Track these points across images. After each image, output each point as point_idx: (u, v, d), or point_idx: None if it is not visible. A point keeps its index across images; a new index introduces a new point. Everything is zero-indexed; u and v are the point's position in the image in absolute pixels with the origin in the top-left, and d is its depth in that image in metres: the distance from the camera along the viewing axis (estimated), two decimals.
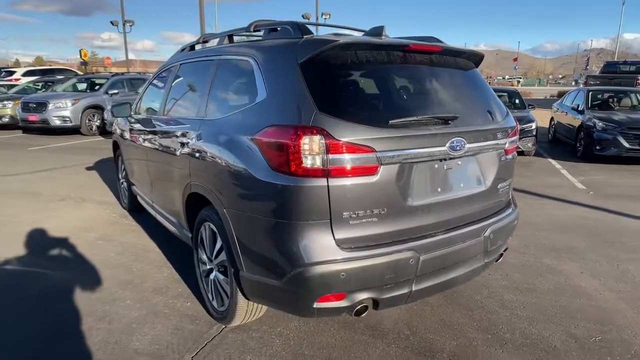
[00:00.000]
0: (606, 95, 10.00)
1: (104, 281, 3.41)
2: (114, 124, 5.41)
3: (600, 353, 2.54)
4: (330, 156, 1.97)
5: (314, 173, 1.97)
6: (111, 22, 27.48)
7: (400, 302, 2.33)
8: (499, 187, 2.66)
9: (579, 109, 9.45)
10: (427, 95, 2.36)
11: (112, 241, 4.26)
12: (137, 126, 4.11)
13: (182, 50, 3.89)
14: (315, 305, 2.10)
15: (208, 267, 2.86)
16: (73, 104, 11.91)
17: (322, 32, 2.93)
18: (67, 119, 11.84)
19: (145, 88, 4.41)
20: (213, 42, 3.37)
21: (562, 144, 10.63)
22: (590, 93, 9.80)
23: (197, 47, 3.71)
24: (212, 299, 2.86)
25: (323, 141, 1.96)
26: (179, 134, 3.06)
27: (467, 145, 2.35)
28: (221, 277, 2.68)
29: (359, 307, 2.17)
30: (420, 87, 2.36)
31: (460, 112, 2.39)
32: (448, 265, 2.38)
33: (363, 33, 2.74)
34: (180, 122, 3.18)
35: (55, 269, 3.63)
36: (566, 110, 10.27)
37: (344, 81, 2.16)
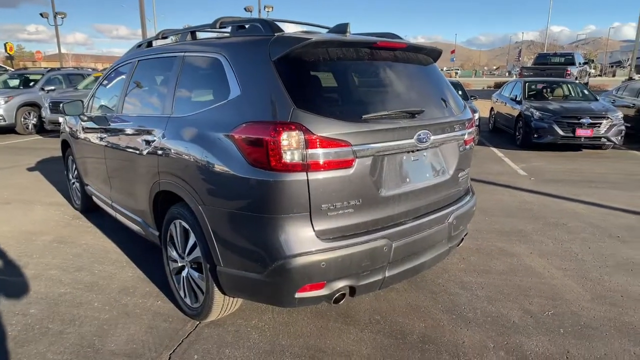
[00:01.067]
0: (540, 86, 10.70)
1: (66, 285, 3.28)
2: (62, 123, 5.17)
3: (554, 326, 2.79)
4: (309, 151, 2.04)
5: (293, 168, 2.03)
6: (41, 15, 25.66)
7: (375, 289, 2.45)
8: (459, 175, 2.84)
9: (517, 99, 10.07)
10: (394, 90, 2.48)
11: (69, 243, 4.09)
12: (92, 124, 3.96)
13: (139, 46, 3.79)
14: (297, 295, 2.17)
15: (179, 264, 2.84)
16: (6, 102, 11.12)
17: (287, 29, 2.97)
18: (0, 118, 11.03)
19: (97, 85, 4.24)
20: (172, 39, 3.32)
21: (503, 132, 11.27)
22: (527, 84, 10.46)
23: (155, 43, 3.63)
24: (185, 296, 2.85)
25: (302, 136, 2.02)
26: (142, 132, 3.00)
27: (432, 137, 2.49)
28: (195, 273, 2.67)
29: (337, 295, 2.27)
30: (388, 83, 2.47)
31: (425, 105, 2.53)
32: (417, 251, 2.52)
33: (327, 30, 2.81)
34: (143, 119, 3.11)
35: (11, 274, 3.44)
36: (505, 100, 10.89)
37: (318, 78, 2.23)
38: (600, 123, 8.26)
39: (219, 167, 2.27)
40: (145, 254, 3.81)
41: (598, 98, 9.84)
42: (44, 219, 4.76)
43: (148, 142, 2.91)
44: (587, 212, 5.08)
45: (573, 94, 10.23)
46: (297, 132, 2.02)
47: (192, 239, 2.63)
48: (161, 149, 2.73)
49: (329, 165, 2.09)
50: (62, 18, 25.71)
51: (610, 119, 8.28)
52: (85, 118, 4.15)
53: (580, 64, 18.86)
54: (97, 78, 11.92)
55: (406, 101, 2.49)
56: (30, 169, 7.28)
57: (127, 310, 2.94)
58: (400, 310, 2.96)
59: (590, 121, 8.26)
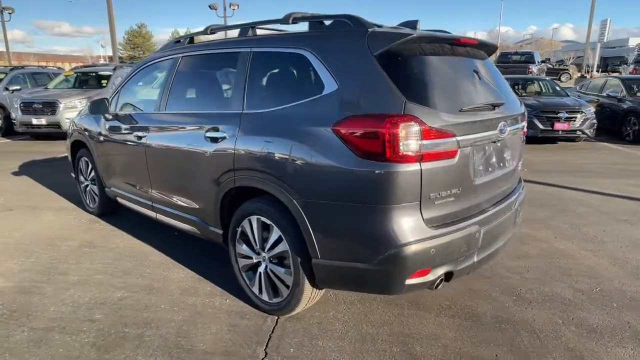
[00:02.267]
0: (512, 83, 11.28)
1: (121, 289, 3.18)
2: (72, 123, 4.95)
3: (605, 301, 3.03)
4: (424, 142, 2.12)
5: (409, 159, 2.11)
6: None
7: (465, 273, 2.57)
8: (519, 164, 3.02)
9: None
10: (475, 83, 2.60)
11: (99, 247, 3.94)
12: (123, 123, 3.83)
13: (177, 42, 3.71)
14: (407, 282, 2.25)
15: (254, 260, 2.84)
16: None
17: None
18: None
19: (123, 84, 4.09)
20: (224, 34, 3.28)
21: None
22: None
23: (197, 39, 3.57)
24: (260, 292, 2.85)
25: (417, 128, 2.10)
26: (205, 129, 2.95)
27: (508, 129, 2.65)
28: (279, 268, 2.68)
29: (438, 280, 2.37)
30: (469, 77, 2.59)
31: (500, 98, 2.68)
32: (496, 237, 2.67)
33: (397, 25, 2.89)
34: (203, 117, 3.07)
35: (55, 281, 3.29)
36: None
37: (419, 72, 2.31)
38: (576, 117, 8.85)
39: (319, 160, 2.31)
40: (189, 254, 3.75)
41: (569, 94, 10.50)
42: (59, 224, 4.54)
43: (215, 139, 2.87)
44: (588, 199, 5.46)
45: (544, 90, 10.85)
46: (412, 123, 2.10)
47: (274, 234, 2.64)
48: (236, 145, 2.71)
49: (439, 156, 2.19)
50: (10, 13, 24.19)
51: (584, 113, 8.89)
52: (110, 117, 4.00)
53: (539, 62, 20.02)
54: (67, 77, 11.38)
55: (487, 94, 2.63)
56: (15, 174, 6.86)
57: (198, 311, 2.90)
58: (464, 295, 3.10)
59: (567, 115, 8.83)
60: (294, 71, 2.66)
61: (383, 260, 2.20)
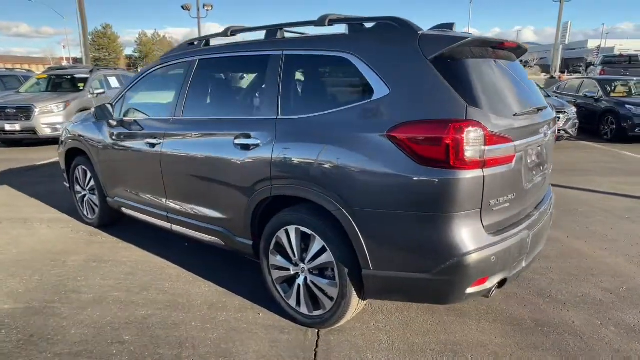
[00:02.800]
0: None
1: (143, 306, 3.00)
2: (65, 130, 4.69)
3: (635, 299, 3.08)
4: (487, 147, 2.08)
5: (473, 165, 2.06)
6: None
7: (514, 279, 2.54)
8: (551, 168, 3.03)
9: None
10: (519, 87, 2.58)
11: (108, 262, 3.72)
12: (130, 130, 3.64)
13: (190, 44, 3.54)
14: (468, 291, 2.19)
15: (292, 272, 2.72)
16: None
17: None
18: None
19: (127, 88, 3.89)
20: (246, 36, 3.16)
21: None
22: None
23: (212, 42, 3.42)
24: (298, 305, 2.74)
25: (481, 133, 2.05)
26: (232, 136, 2.82)
27: (549, 132, 2.65)
28: (322, 280, 2.58)
29: (494, 287, 2.33)
30: (513, 80, 2.57)
31: (542, 102, 2.68)
32: (539, 241, 2.66)
33: (431, 27, 2.84)
34: (229, 124, 2.93)
35: (69, 301, 3.07)
36: None
37: (474, 75, 2.25)
38: (559, 117, 9.09)
39: (372, 167, 2.23)
40: (206, 266, 3.59)
41: (550, 94, 10.80)
42: (57, 238, 4.27)
43: (246, 147, 2.75)
44: (587, 197, 5.60)
45: None
46: (476, 129, 2.05)
47: (317, 245, 2.54)
48: (274, 152, 2.59)
49: (499, 161, 2.15)
50: None
51: (567, 113, 9.14)
52: (115, 123, 3.79)
53: None
54: (39, 80, 10.87)
55: (530, 97, 2.61)
56: None
57: (232, 327, 2.76)
58: (499, 299, 3.08)
59: None
60: (337, 75, 2.57)
61: (444, 270, 2.13)
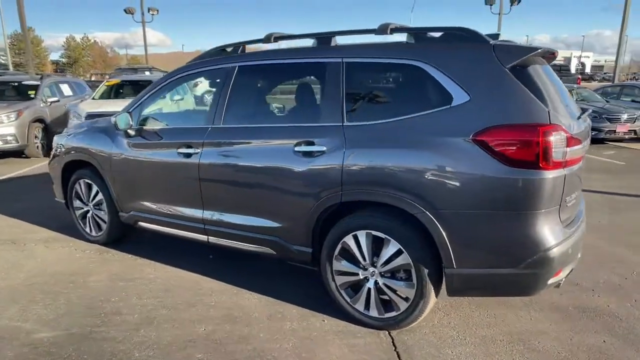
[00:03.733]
0: None
1: (200, 322, 2.89)
2: (58, 143, 4.40)
3: None
4: (568, 149, 2.26)
5: (558, 165, 2.23)
6: None
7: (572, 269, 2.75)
8: None
9: None
10: (566, 92, 2.81)
11: (136, 279, 3.52)
12: (161, 139, 3.49)
13: (223, 51, 3.46)
14: (549, 282, 2.36)
15: (361, 276, 2.76)
16: None
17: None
18: None
19: (147, 96, 3.71)
20: (291, 43, 3.16)
21: None
22: None
23: (247, 48, 3.38)
24: (367, 308, 2.78)
25: (564, 135, 2.24)
26: (294, 143, 2.81)
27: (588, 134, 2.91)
28: (398, 282, 2.64)
29: (564, 278, 2.52)
30: (560, 87, 2.79)
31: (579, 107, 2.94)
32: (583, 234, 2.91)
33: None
34: (287, 130, 2.92)
35: (114, 323, 2.88)
36: None
37: (544, 82, 2.43)
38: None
39: (456, 169, 2.34)
40: (244, 277, 3.51)
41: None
42: (62, 258, 3.96)
43: (309, 154, 2.75)
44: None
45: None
46: (560, 132, 2.22)
47: (391, 248, 2.60)
48: (345, 159, 2.62)
49: (575, 161, 2.35)
50: None
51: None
52: (133, 133, 3.62)
53: None
54: None
55: (574, 103, 2.86)
56: None
57: (303, 336, 2.74)
58: (563, 291, 3.26)
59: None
60: (408, 82, 2.66)
61: (531, 264, 2.29)
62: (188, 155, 3.30)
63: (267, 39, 3.22)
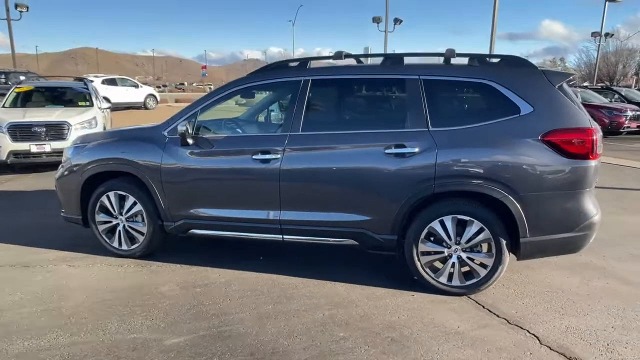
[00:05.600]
0: None
1: (314, 310, 3.20)
2: (72, 155, 4.20)
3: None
4: (599, 144, 3.19)
5: (595, 157, 3.15)
6: None
7: None
8: None
9: None
10: None
11: (210, 285, 3.62)
12: (233, 146, 3.71)
13: (288, 66, 3.79)
14: (590, 241, 3.28)
15: (445, 254, 3.38)
16: None
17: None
18: None
19: (204, 106, 3.82)
20: (365, 61, 3.64)
21: None
22: None
23: (313, 64, 3.76)
24: (449, 280, 3.40)
25: (600, 135, 3.17)
26: (385, 146, 3.32)
27: None
28: (478, 255, 3.33)
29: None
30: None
31: None
32: None
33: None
34: (374, 136, 3.41)
35: (239, 322, 3.03)
36: None
37: (574, 97, 3.35)
38: None
39: (531, 162, 3.12)
40: (315, 269, 3.85)
41: None
42: (107, 274, 3.80)
43: (401, 155, 3.30)
44: None
45: None
46: (598, 133, 3.15)
47: (474, 227, 3.28)
48: (437, 158, 3.22)
49: (600, 154, 3.30)
50: None
51: None
52: (192, 141, 3.72)
53: None
54: None
55: None
56: None
57: (409, 308, 3.26)
58: (553, 262, 4.23)
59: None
60: (481, 96, 3.36)
61: (583, 227, 3.19)
62: (266, 161, 3.56)
63: (337, 56, 3.67)
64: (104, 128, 8.52)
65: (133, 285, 3.60)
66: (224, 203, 3.79)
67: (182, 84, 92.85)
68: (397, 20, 21.92)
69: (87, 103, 9.07)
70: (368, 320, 3.08)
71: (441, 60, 3.55)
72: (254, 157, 3.59)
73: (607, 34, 28.52)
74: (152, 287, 3.57)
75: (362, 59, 3.94)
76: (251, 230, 3.77)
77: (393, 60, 3.58)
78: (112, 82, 21.14)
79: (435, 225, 3.35)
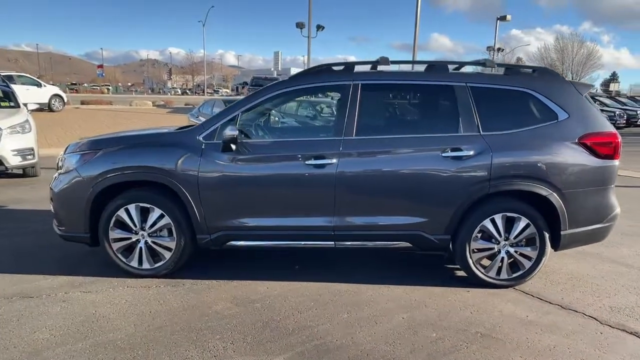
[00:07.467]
0: None
1: (394, 313, 3.20)
2: (77, 165, 3.70)
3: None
4: (621, 146, 3.67)
5: (618, 157, 3.61)
6: None
7: None
8: None
9: None
10: None
11: (266, 299, 3.42)
12: (285, 151, 3.57)
13: (331, 70, 3.73)
14: (612, 230, 3.75)
15: (495, 249, 3.61)
16: None
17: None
18: None
19: (243, 110, 3.60)
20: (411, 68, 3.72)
21: None
22: None
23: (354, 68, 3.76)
24: (498, 274, 3.63)
25: (621, 138, 3.64)
26: (442, 149, 3.45)
27: None
28: (526, 248, 3.60)
29: None
30: None
31: None
32: None
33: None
34: (430, 140, 3.52)
35: (348, 326, 2.91)
36: None
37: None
38: None
39: (571, 162, 3.48)
40: (355, 276, 3.83)
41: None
42: (138, 299, 3.36)
43: (458, 158, 3.45)
44: None
45: None
46: (619, 137, 3.62)
47: (521, 223, 3.56)
48: (493, 159, 3.43)
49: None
50: None
51: None
52: (234, 147, 3.49)
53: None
54: None
55: None
56: None
57: (474, 302, 3.41)
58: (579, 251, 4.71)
59: None
60: (523, 103, 3.63)
61: (610, 219, 3.63)
62: (321, 167, 3.47)
63: (384, 62, 3.71)
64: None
65: (181, 307, 3.25)
66: (272, 211, 3.60)
67: (75, 84, 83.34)
68: (319, 27, 22.49)
69: (12, 104, 7.82)
70: (447, 319, 3.16)
71: (479, 69, 3.79)
72: (307, 162, 3.47)
73: (499, 49, 32.13)
74: (204, 307, 3.26)
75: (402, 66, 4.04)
76: (300, 238, 3.63)
77: (438, 67, 3.73)
78: (8, 79, 18.39)
79: (487, 223, 3.56)
